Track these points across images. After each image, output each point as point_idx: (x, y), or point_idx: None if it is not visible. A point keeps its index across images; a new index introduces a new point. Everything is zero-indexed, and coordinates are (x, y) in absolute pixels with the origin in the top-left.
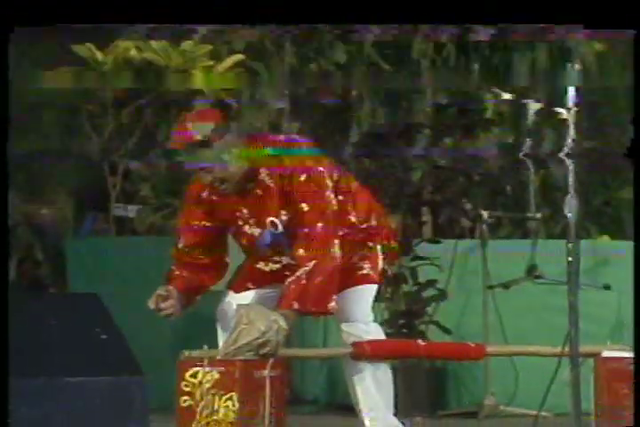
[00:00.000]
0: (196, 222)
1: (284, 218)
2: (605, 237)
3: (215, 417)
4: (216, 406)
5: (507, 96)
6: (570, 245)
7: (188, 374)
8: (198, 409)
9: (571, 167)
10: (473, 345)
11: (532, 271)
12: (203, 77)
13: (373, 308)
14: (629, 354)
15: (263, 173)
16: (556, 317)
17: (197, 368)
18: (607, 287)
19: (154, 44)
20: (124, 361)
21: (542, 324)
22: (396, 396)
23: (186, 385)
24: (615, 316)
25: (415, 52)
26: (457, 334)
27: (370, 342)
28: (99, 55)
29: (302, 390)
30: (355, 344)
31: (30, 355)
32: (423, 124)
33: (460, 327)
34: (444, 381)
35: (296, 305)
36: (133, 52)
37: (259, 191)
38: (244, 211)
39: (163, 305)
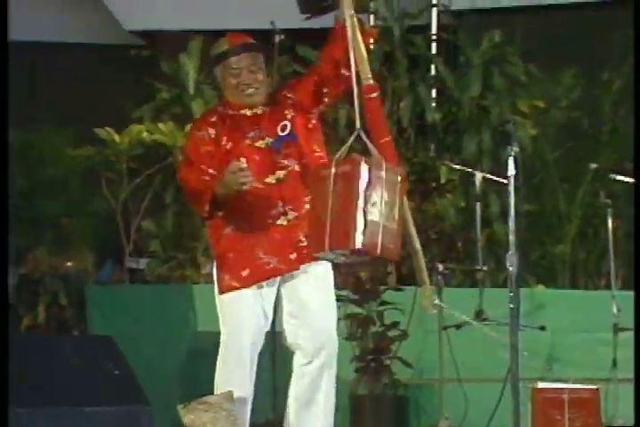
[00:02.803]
0: (204, 148)
1: (288, 121)
2: (541, 286)
3: None
4: None
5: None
6: (511, 293)
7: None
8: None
9: (512, 227)
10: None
11: (479, 315)
12: None
13: (345, 346)
14: (562, 385)
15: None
16: (499, 352)
17: None
18: (542, 328)
19: (162, 126)
20: (134, 393)
21: (488, 358)
22: (364, 420)
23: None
24: (549, 352)
25: None
26: (417, 367)
27: None
28: (116, 137)
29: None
30: None
31: (54, 387)
32: None
33: (419, 362)
34: (405, 406)
35: None
36: (145, 134)
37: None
38: (257, 129)
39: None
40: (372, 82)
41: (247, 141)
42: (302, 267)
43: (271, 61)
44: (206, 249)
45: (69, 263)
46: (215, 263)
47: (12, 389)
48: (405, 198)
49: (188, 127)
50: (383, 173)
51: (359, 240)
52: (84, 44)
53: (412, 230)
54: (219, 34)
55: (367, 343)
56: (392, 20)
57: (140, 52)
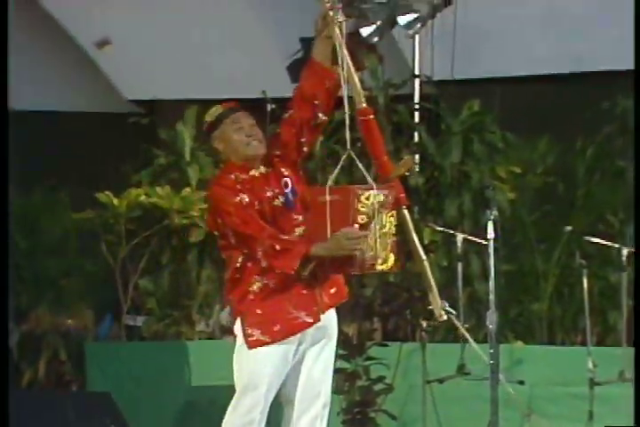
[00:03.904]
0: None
1: (287, 178)
2: (520, 343)
3: (384, 230)
4: (384, 222)
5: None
6: (491, 349)
7: (363, 197)
8: (372, 225)
9: (492, 287)
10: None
11: (461, 369)
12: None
13: (333, 399)
14: None
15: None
16: (480, 406)
17: (368, 193)
18: (521, 382)
19: (159, 190)
20: None
21: (469, 412)
22: None
23: (362, 206)
24: (527, 405)
25: None
26: (401, 419)
27: None
28: (115, 201)
29: None
30: None
31: None
32: None
33: (403, 415)
34: None
35: None
36: (143, 198)
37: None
38: (268, 189)
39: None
40: (364, 105)
41: (267, 202)
42: (322, 317)
43: (263, 130)
44: (201, 307)
45: (70, 321)
46: (240, 320)
47: None
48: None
49: (184, 191)
50: (324, 196)
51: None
52: (85, 112)
53: (414, 240)
54: (214, 102)
55: (354, 397)
56: (377, 90)
57: (139, 120)
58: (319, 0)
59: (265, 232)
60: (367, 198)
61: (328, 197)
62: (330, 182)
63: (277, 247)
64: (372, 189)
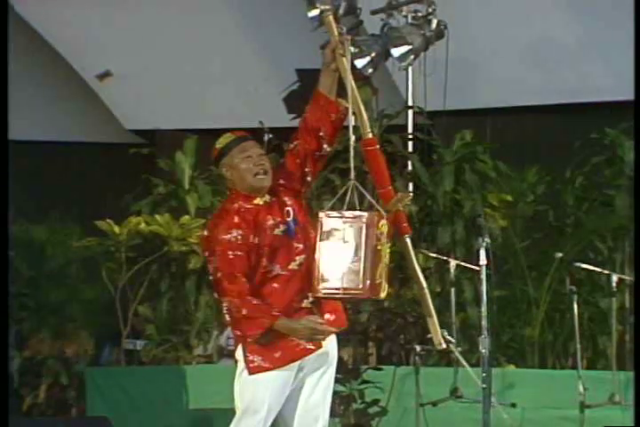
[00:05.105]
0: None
1: (289, 207)
2: (511, 366)
3: (384, 259)
4: (386, 251)
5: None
6: (484, 373)
7: (380, 224)
8: (382, 252)
9: (484, 313)
10: None
11: (454, 392)
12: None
13: (328, 422)
14: None
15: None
16: None
17: (382, 221)
18: (513, 405)
19: (159, 218)
20: None
21: None
22: None
23: (380, 233)
24: None
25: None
26: None
27: None
28: (116, 228)
29: None
30: None
31: None
32: None
33: None
34: None
35: None
36: (142, 226)
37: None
38: (271, 218)
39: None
40: (370, 135)
41: (268, 231)
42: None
43: None
44: (199, 332)
45: (70, 347)
46: (241, 346)
47: None
48: (408, 240)
49: (183, 219)
50: (341, 221)
51: (320, 287)
52: (86, 142)
53: (416, 269)
54: (212, 133)
55: (349, 419)
56: (372, 121)
57: (139, 150)
58: (329, 32)
59: (236, 290)
60: (382, 226)
61: (343, 224)
62: (346, 210)
63: (244, 312)
64: (384, 218)
